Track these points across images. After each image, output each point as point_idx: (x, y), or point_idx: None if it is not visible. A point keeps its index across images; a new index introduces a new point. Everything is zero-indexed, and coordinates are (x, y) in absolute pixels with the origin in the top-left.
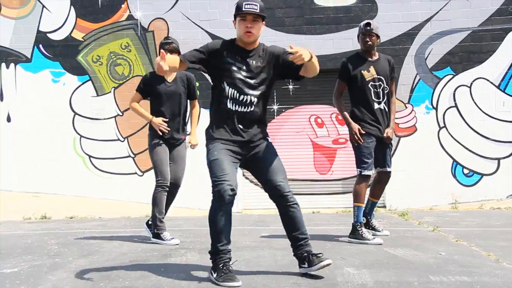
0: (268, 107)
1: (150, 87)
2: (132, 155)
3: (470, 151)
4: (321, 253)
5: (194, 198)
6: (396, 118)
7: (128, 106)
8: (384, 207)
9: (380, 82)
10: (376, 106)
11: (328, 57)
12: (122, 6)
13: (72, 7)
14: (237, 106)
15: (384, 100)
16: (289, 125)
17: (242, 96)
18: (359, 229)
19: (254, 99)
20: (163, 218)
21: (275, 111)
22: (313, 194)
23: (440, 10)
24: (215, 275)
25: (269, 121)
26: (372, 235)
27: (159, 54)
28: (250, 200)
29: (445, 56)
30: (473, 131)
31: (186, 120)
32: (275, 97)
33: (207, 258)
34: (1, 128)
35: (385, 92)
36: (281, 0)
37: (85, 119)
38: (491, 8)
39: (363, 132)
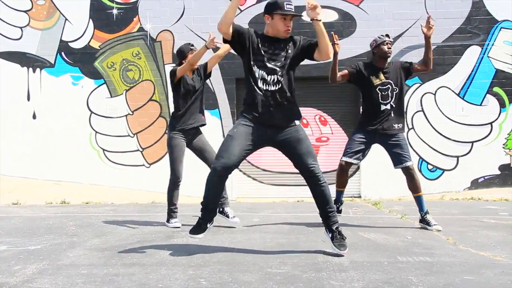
0: None
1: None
2: (141, 149)
3: (434, 149)
4: (345, 237)
5: (194, 186)
6: None
7: (137, 107)
8: (360, 197)
9: (389, 85)
10: (383, 107)
11: (313, 65)
12: (134, 19)
13: (90, 19)
14: (266, 85)
15: (392, 100)
16: None
17: (270, 76)
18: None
19: (281, 79)
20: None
21: None
22: (298, 185)
23: (410, 27)
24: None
25: None
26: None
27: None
28: (244, 189)
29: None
30: (437, 132)
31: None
32: None
33: (206, 238)
34: (28, 124)
35: (394, 92)
36: None
37: (100, 117)
38: (453, 27)
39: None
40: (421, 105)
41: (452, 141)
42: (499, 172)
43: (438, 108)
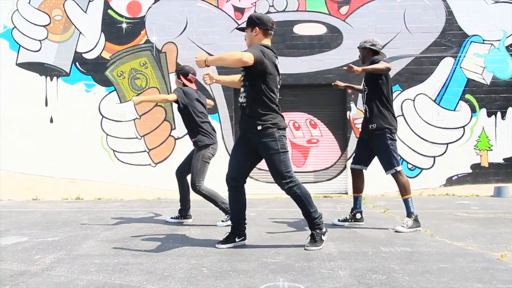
0: None
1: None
2: (147, 150)
3: (413, 150)
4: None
5: None
6: (356, 124)
7: (144, 112)
8: (346, 193)
9: (365, 88)
10: (363, 108)
11: (304, 74)
12: (141, 32)
13: (102, 33)
14: (240, 98)
15: (365, 101)
16: None
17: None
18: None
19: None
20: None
21: None
22: None
23: (391, 40)
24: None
25: None
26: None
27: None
28: None
29: (395, 76)
30: (415, 134)
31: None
32: None
33: (207, 232)
34: (46, 128)
35: (365, 93)
36: None
37: (111, 121)
38: (429, 40)
39: None
40: (402, 110)
41: (429, 142)
42: (471, 171)
43: (417, 113)
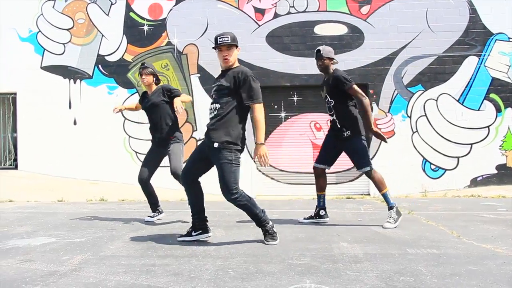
0: (276, 114)
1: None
2: None
3: (436, 151)
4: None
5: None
6: (378, 125)
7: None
8: (369, 194)
9: (327, 99)
10: (331, 117)
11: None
12: (163, 34)
13: (124, 35)
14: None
15: (332, 112)
16: (294, 129)
17: (212, 105)
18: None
19: (218, 106)
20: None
21: (282, 118)
22: (313, 184)
23: (413, 39)
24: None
25: (277, 126)
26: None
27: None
28: (262, 188)
29: (417, 76)
30: (439, 135)
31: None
32: (282, 107)
33: (231, 233)
34: (69, 130)
35: (330, 105)
36: (288, 30)
37: (133, 123)
38: (453, 39)
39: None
40: (424, 110)
41: (453, 143)
42: (496, 171)
43: (440, 113)
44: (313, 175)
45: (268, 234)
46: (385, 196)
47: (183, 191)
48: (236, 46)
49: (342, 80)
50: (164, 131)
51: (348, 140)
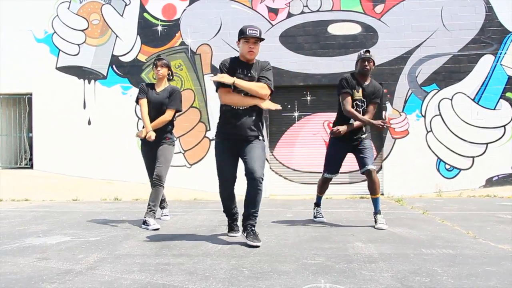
0: (289, 114)
1: (146, 94)
2: (183, 151)
3: (451, 150)
4: (257, 234)
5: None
6: (392, 124)
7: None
8: (382, 194)
9: (362, 104)
10: (352, 121)
11: (339, 74)
12: (176, 34)
13: (138, 36)
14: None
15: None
16: (307, 128)
17: None
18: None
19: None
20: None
21: (296, 117)
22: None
23: (428, 38)
24: None
25: (291, 125)
26: None
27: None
28: (276, 187)
29: (432, 75)
30: (453, 134)
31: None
32: (296, 106)
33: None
34: (84, 130)
35: (363, 109)
36: (301, 30)
37: None
38: (468, 38)
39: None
40: (439, 110)
41: (468, 142)
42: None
43: (455, 112)
44: (321, 181)
45: (249, 236)
46: (376, 201)
47: (197, 190)
48: (261, 40)
49: (381, 94)
50: (161, 130)
51: (366, 139)
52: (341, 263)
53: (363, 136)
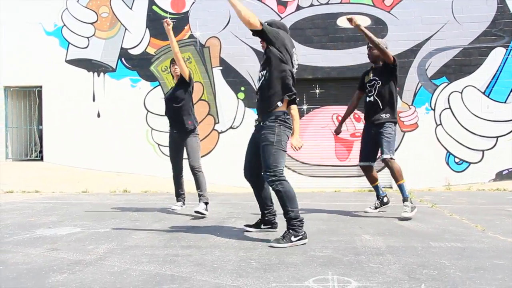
0: (298, 107)
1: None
2: None
3: (461, 144)
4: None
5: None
6: (401, 117)
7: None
8: (391, 187)
9: (374, 82)
10: (367, 99)
11: (347, 67)
12: (185, 27)
13: (147, 29)
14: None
15: (375, 93)
16: (316, 121)
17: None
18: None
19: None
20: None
21: (305, 110)
22: (335, 177)
23: (438, 31)
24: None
25: (300, 118)
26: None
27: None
28: None
29: (442, 68)
30: (463, 128)
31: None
32: (304, 99)
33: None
34: (93, 122)
35: (377, 86)
36: (310, 23)
37: (155, 115)
38: (479, 30)
39: None
40: (449, 103)
41: (478, 136)
42: None
43: (465, 105)
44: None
45: (281, 237)
46: (401, 187)
47: (207, 183)
48: None
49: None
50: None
51: (385, 123)
52: (349, 256)
53: (381, 119)
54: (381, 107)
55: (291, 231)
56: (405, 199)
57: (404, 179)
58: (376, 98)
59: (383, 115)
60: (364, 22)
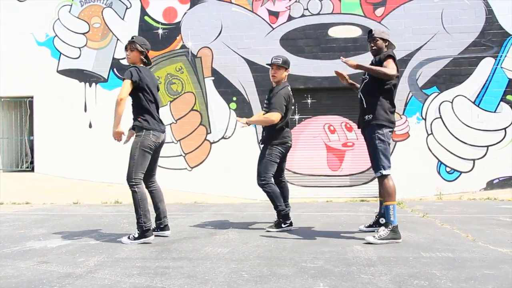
0: (291, 117)
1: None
2: (183, 154)
3: (452, 153)
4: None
5: (235, 188)
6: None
7: (180, 116)
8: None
9: (363, 77)
10: (359, 96)
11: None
12: (177, 37)
13: None
14: None
15: (361, 89)
16: (308, 131)
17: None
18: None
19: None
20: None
21: (296, 120)
22: (327, 187)
23: (428, 41)
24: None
25: (291, 128)
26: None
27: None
28: None
29: (432, 78)
30: (454, 137)
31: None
32: (296, 109)
33: (245, 235)
34: (85, 133)
35: (365, 81)
36: (302, 33)
37: None
38: (468, 40)
39: None
40: (439, 113)
41: (469, 145)
42: None
43: (455, 115)
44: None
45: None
46: (386, 209)
47: (198, 194)
48: (286, 69)
49: (385, 56)
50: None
51: (369, 128)
52: (340, 267)
53: (364, 120)
54: (365, 106)
55: (281, 219)
56: (386, 224)
57: (394, 201)
58: (361, 95)
59: (366, 117)
60: (355, 32)
